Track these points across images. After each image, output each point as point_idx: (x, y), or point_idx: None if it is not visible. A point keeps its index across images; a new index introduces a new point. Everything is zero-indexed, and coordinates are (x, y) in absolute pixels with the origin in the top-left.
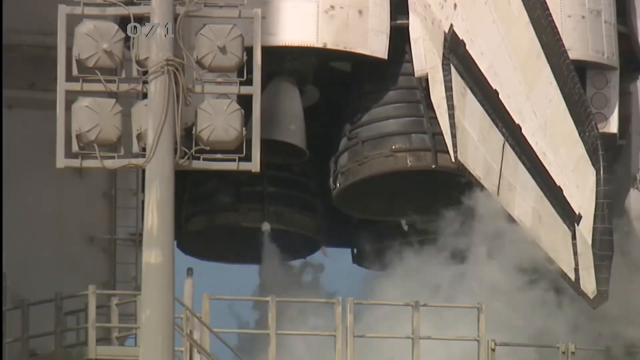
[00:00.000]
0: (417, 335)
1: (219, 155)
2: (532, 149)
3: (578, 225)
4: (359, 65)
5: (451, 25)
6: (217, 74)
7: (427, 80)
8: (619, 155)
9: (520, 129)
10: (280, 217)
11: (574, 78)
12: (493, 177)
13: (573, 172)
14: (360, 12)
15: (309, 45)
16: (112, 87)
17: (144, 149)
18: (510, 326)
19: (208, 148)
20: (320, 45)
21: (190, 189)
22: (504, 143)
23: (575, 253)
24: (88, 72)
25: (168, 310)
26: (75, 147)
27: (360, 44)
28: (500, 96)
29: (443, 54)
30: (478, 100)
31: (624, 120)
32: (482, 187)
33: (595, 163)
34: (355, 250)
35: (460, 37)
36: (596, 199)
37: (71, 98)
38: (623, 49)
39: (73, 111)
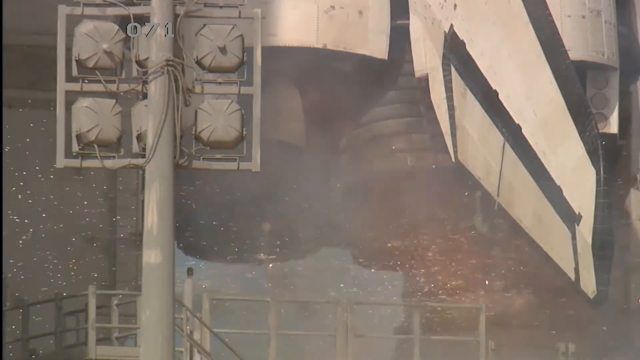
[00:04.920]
0: (417, 335)
1: (219, 155)
2: (532, 149)
3: (578, 225)
4: (359, 65)
5: (451, 25)
6: (217, 74)
7: (427, 80)
8: (619, 156)
9: (520, 129)
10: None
11: (574, 78)
12: (493, 177)
13: (573, 172)
14: (360, 12)
15: (309, 45)
16: (112, 87)
17: (144, 149)
18: None
19: (208, 148)
20: (320, 45)
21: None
22: (504, 143)
23: (575, 253)
24: (88, 73)
25: (168, 310)
26: (75, 147)
27: (361, 44)
28: (500, 96)
29: (443, 54)
30: (478, 101)
31: (624, 121)
32: (482, 187)
33: (595, 163)
34: None
35: (460, 37)
36: (596, 198)
37: (71, 98)
38: (623, 49)
39: (73, 111)
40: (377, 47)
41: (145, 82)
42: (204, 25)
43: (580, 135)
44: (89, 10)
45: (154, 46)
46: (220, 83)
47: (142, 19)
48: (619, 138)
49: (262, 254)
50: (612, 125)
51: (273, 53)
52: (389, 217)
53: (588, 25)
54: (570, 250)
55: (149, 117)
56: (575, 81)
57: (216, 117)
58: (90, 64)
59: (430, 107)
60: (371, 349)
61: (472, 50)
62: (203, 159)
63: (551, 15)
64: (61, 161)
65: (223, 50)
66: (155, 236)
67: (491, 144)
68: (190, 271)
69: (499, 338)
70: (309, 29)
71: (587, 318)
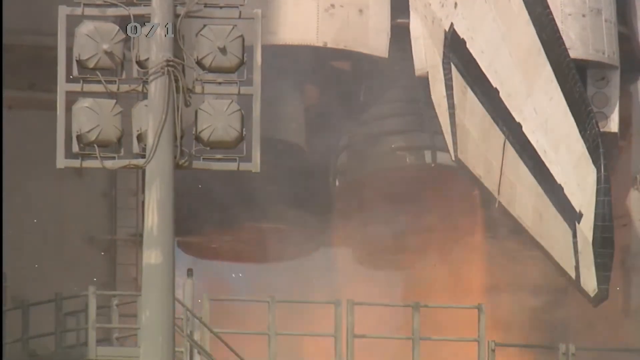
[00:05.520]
0: (417, 335)
1: (219, 156)
2: (532, 147)
3: (579, 223)
4: (360, 64)
5: (451, 23)
6: (217, 74)
7: (427, 78)
8: (620, 156)
9: (521, 127)
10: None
11: (575, 76)
12: (493, 175)
13: (574, 170)
14: (360, 10)
15: (309, 44)
16: (113, 87)
17: (144, 149)
18: None
19: (208, 148)
20: (320, 44)
21: None
22: (505, 141)
23: (575, 251)
24: (88, 73)
25: (168, 311)
26: (75, 148)
27: (361, 42)
28: (500, 94)
29: (443, 52)
30: (478, 99)
31: (625, 122)
32: (482, 185)
33: (595, 161)
34: None
35: (461, 36)
36: (597, 197)
37: (71, 99)
38: (623, 49)
39: (73, 112)
40: (378, 45)
41: (145, 83)
42: (204, 25)
43: (580, 133)
44: (89, 11)
45: (154, 46)
46: (220, 83)
47: (143, 20)
48: (620, 139)
49: None
50: (613, 124)
51: (273, 51)
52: None
53: (588, 24)
54: (570, 249)
55: (149, 118)
56: (575, 79)
57: (216, 117)
58: (91, 65)
59: (430, 105)
60: None
61: (473, 48)
62: (203, 159)
63: (552, 14)
64: (61, 161)
65: (223, 50)
66: (156, 236)
67: (492, 143)
68: (190, 271)
69: None
70: (309, 28)
71: None
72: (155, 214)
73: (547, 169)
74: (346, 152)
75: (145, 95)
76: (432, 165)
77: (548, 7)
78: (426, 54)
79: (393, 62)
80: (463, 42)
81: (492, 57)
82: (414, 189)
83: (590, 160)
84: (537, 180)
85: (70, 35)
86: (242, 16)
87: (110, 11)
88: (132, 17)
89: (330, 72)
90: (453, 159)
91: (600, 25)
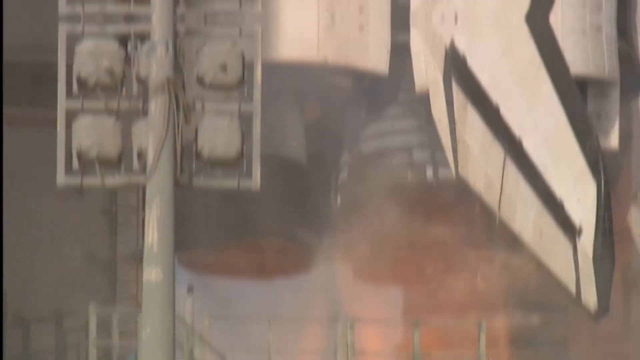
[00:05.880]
0: (417, 352)
1: (219, 173)
2: (533, 162)
3: (579, 238)
4: (360, 80)
5: (452, 39)
6: (218, 91)
7: (428, 94)
8: (620, 172)
9: (521, 142)
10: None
11: (575, 91)
12: (494, 191)
13: (574, 185)
14: (360, 27)
15: (309, 60)
16: (113, 105)
17: (144, 167)
18: None
19: (208, 166)
20: (320, 60)
21: None
22: (505, 157)
23: (576, 267)
24: (88, 90)
25: (168, 327)
26: (75, 165)
27: (361, 59)
28: (501, 110)
29: (444, 68)
30: (479, 114)
31: (625, 138)
32: (482, 201)
33: (596, 176)
34: None
35: (461, 52)
36: (597, 211)
37: (71, 116)
38: (624, 66)
39: (73, 129)
40: (378, 62)
41: (145, 100)
42: (205, 42)
43: (581, 148)
44: (89, 28)
45: (154, 64)
46: (220, 101)
47: (143, 37)
48: (620, 155)
49: None
50: (613, 140)
51: (273, 68)
52: None
53: (589, 40)
54: (571, 264)
55: (149, 135)
56: (576, 94)
57: (216, 134)
58: (91, 82)
59: (431, 121)
60: None
61: (473, 64)
62: (203, 176)
63: (552, 30)
64: (61, 179)
65: (223, 67)
66: (156, 254)
67: (492, 158)
68: (190, 288)
69: None
70: (309, 44)
71: None
72: (155, 231)
73: (548, 185)
74: (347, 169)
75: (145, 113)
76: (434, 181)
77: (549, 23)
78: (426, 70)
79: (393, 78)
80: (463, 57)
81: (493, 72)
82: (417, 204)
83: (591, 176)
84: (537, 195)
85: (71, 52)
86: (242, 33)
87: (111, 28)
88: (132, 34)
89: (330, 89)
90: (455, 175)
91: (601, 41)
